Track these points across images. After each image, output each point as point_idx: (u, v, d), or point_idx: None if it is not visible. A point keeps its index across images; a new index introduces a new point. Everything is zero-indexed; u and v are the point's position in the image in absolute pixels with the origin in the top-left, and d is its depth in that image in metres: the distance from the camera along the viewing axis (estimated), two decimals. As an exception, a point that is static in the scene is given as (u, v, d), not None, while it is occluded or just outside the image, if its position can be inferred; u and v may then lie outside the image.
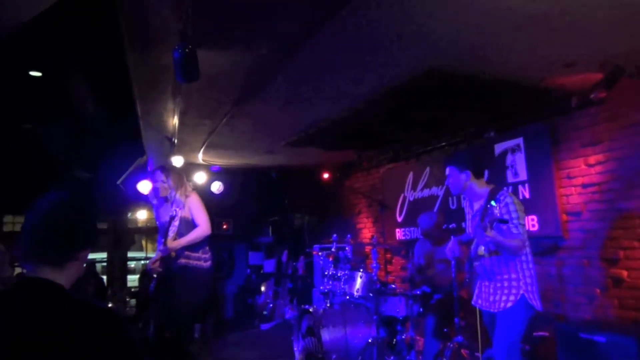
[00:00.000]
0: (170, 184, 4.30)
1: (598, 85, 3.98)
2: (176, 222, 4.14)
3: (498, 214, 2.87)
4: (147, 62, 3.40)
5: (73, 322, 1.42)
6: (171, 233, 4.09)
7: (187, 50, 2.80)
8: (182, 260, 4.11)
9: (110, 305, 8.94)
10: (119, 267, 11.44)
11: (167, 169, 4.51)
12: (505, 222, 2.96)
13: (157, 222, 4.38)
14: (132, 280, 11.88)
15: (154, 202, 4.44)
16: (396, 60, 3.60)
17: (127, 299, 9.84)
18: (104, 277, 11.28)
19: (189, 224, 4.21)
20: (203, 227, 4.19)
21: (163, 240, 4.00)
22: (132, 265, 14.31)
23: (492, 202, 2.91)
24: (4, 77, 4.83)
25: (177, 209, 4.10)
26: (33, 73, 5.16)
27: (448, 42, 3.29)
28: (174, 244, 4.04)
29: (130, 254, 13.42)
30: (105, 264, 12.78)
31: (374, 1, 2.71)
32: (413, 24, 3.01)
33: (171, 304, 4.06)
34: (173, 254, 4.03)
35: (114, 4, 2.74)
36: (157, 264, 4.08)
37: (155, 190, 4.38)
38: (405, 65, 3.73)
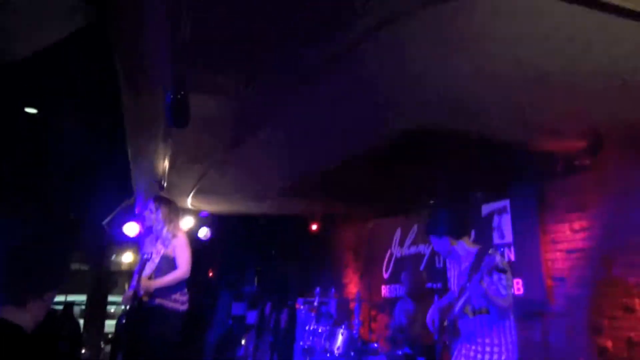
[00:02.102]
0: (159, 217, 4.12)
1: (582, 152, 4.06)
2: (157, 259, 3.98)
3: (498, 263, 2.80)
4: (140, 104, 3.45)
5: None
6: (149, 271, 3.93)
7: (179, 95, 2.84)
8: (158, 300, 3.92)
9: (84, 351, 8.61)
10: (98, 311, 11.08)
11: (162, 200, 4.30)
12: (505, 271, 2.89)
13: (140, 253, 4.23)
14: (110, 325, 11.48)
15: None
16: (384, 117, 3.68)
17: (102, 345, 9.48)
18: (81, 321, 10.91)
19: (170, 263, 4.03)
20: (183, 269, 4.00)
21: (137, 277, 3.81)
22: (112, 310, 13.87)
23: (491, 250, 2.85)
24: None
25: (154, 254, 3.96)
26: (28, 110, 5.20)
27: (434, 102, 3.37)
28: (148, 283, 3.87)
29: (111, 298, 13.02)
30: (83, 307, 12.40)
31: (365, 60, 2.80)
32: (401, 83, 3.10)
33: (141, 345, 3.86)
34: (145, 296, 3.86)
35: (111, 48, 2.81)
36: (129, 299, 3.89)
37: (142, 217, 4.25)
38: (393, 123, 3.80)
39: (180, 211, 4.39)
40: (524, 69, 2.82)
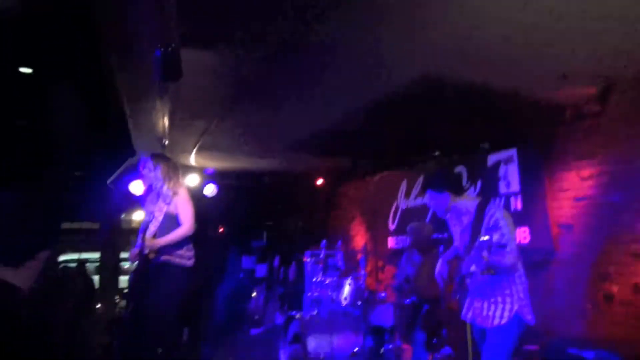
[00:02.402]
0: (158, 175, 4.04)
1: (591, 98, 3.93)
2: (160, 217, 3.98)
3: (496, 240, 2.77)
4: (130, 60, 3.35)
5: (16, 323, 1.38)
6: (153, 229, 3.94)
7: (169, 49, 2.75)
8: (164, 257, 3.94)
9: (99, 306, 8.86)
10: (111, 268, 11.35)
11: (160, 157, 4.22)
12: (503, 246, 2.87)
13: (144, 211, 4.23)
14: (124, 281, 11.78)
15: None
16: (389, 68, 3.55)
17: (118, 300, 9.75)
18: (96, 277, 11.19)
19: (173, 221, 4.00)
20: (186, 226, 3.97)
21: (142, 235, 3.82)
22: (126, 266, 14.19)
23: (486, 237, 2.81)
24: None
25: (156, 212, 3.96)
26: (24, 70, 5.10)
27: (440, 52, 3.24)
28: (153, 242, 3.88)
29: (123, 255, 13.29)
30: (98, 264, 12.71)
31: (366, 7, 2.67)
32: (406, 32, 2.96)
33: (151, 302, 3.92)
34: (152, 254, 3.88)
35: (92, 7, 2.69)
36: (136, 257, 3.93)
37: (141, 177, 4.22)
38: (398, 74, 3.68)
39: (180, 168, 4.32)
40: (534, 10, 2.67)
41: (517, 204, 4.83)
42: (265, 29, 2.92)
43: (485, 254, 2.82)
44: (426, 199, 3.35)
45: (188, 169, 7.39)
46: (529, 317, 3.05)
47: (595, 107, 3.99)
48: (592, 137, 4.26)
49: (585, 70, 3.58)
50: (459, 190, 3.26)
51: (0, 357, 1.32)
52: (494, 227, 2.82)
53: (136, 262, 4.09)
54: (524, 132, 4.83)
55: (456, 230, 3.41)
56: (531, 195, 4.71)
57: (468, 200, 3.26)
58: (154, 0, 2.50)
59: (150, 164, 4.08)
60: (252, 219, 9.49)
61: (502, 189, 4.99)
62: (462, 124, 5.10)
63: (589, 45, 3.13)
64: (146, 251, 3.83)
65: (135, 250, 3.90)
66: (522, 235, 4.70)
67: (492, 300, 3.11)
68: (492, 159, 5.14)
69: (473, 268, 3.15)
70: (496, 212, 3.05)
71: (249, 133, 5.58)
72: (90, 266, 13.01)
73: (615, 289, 4.01)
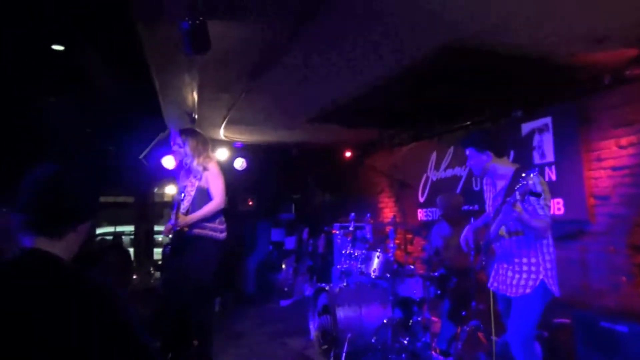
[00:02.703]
0: (188, 150, 4.09)
1: (633, 61, 3.75)
2: (192, 192, 4.04)
3: (531, 186, 2.70)
4: (157, 34, 3.35)
5: (66, 295, 1.40)
6: (186, 204, 4.00)
7: (197, 21, 2.74)
8: (196, 230, 4.01)
9: (135, 277, 9.15)
10: (145, 241, 11.68)
11: (188, 132, 4.24)
12: (539, 195, 2.78)
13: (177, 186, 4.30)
14: (159, 253, 12.12)
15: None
16: (415, 34, 3.45)
17: (152, 271, 10.05)
18: (131, 250, 11.54)
19: (205, 195, 4.06)
20: (217, 200, 4.03)
21: (175, 211, 3.89)
22: (160, 239, 14.58)
23: (524, 174, 2.73)
24: (27, 50, 4.86)
25: (189, 187, 4.02)
26: (56, 47, 5.18)
27: (468, 15, 3.13)
28: (185, 219, 3.95)
29: (157, 228, 13.64)
30: (133, 236, 13.08)
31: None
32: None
33: (184, 273, 4.02)
34: (185, 227, 3.96)
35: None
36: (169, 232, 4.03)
37: (172, 152, 4.27)
38: (425, 40, 3.57)
39: (209, 142, 4.34)
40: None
41: (551, 174, 4.71)
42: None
43: (518, 203, 2.74)
44: (467, 155, 3.30)
45: (217, 142, 7.46)
46: (554, 289, 3.00)
47: (635, 71, 3.80)
48: (631, 104, 4.08)
49: (625, 32, 3.40)
50: (499, 152, 3.21)
51: (44, 330, 1.35)
52: (532, 188, 2.72)
53: (170, 236, 4.19)
54: (559, 99, 4.66)
55: (489, 195, 3.36)
56: (566, 166, 4.57)
57: (506, 165, 3.20)
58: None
59: (179, 140, 4.12)
60: (280, 191, 9.56)
61: (536, 159, 4.86)
62: (494, 91, 4.96)
63: (628, 5, 2.97)
64: (177, 227, 3.91)
65: (169, 226, 3.99)
66: (557, 206, 4.59)
67: (518, 266, 3.06)
68: (525, 128, 4.99)
69: (502, 231, 3.10)
70: (529, 181, 2.97)
71: (276, 106, 5.57)
72: (125, 239, 13.44)
73: (652, 261, 3.90)
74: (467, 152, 3.30)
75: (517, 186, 2.72)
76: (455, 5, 3.01)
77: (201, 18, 2.78)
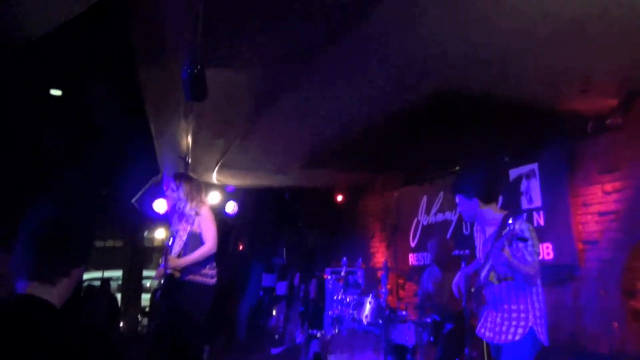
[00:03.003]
0: (181, 194, 4.09)
1: (614, 111, 3.90)
2: (184, 237, 4.04)
3: (518, 231, 2.74)
4: (157, 80, 3.45)
5: (58, 341, 1.39)
6: (178, 248, 4.00)
7: (195, 70, 2.83)
8: (188, 276, 3.98)
9: (121, 324, 8.94)
10: (133, 286, 11.48)
11: (182, 177, 4.25)
12: (525, 240, 2.82)
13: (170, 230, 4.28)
14: (146, 299, 11.88)
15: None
16: (407, 78, 3.59)
17: (140, 318, 9.84)
18: (119, 295, 11.32)
19: (197, 239, 4.05)
20: (209, 244, 4.00)
21: (166, 255, 3.88)
22: (148, 285, 14.33)
23: (511, 220, 2.78)
24: (25, 96, 4.95)
25: (181, 231, 4.02)
26: (54, 92, 5.28)
27: (460, 61, 3.27)
28: (176, 262, 3.93)
29: (146, 273, 13.44)
30: (120, 282, 12.86)
31: (382, 21, 2.72)
32: (424, 42, 3.00)
33: (175, 319, 3.96)
34: (176, 273, 3.94)
35: (127, 22, 2.80)
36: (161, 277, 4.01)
37: (165, 196, 4.28)
38: (416, 87, 3.71)
39: (203, 186, 4.36)
40: (553, 22, 2.68)
41: (539, 219, 4.78)
42: (283, 45, 3.00)
43: (506, 248, 2.77)
44: (456, 201, 3.31)
45: (210, 186, 7.49)
46: (542, 337, 2.98)
47: (617, 120, 3.95)
48: (614, 151, 4.21)
49: (607, 83, 3.57)
50: (488, 198, 3.24)
51: None
52: (519, 233, 2.76)
53: (161, 281, 4.15)
54: (546, 145, 4.80)
55: (479, 241, 3.38)
56: (554, 211, 4.65)
57: (495, 211, 3.23)
58: (186, 17, 2.59)
59: (173, 184, 4.14)
60: (272, 235, 9.52)
61: (524, 204, 4.95)
62: (483, 138, 5.09)
63: (610, 57, 3.13)
64: (169, 271, 3.88)
65: (161, 270, 3.97)
66: (545, 251, 4.63)
67: (507, 312, 3.05)
68: (513, 173, 5.10)
69: (492, 276, 3.10)
70: (522, 224, 3.02)
71: (270, 150, 5.65)
72: (112, 284, 13.19)
73: (643, 305, 3.92)
74: (457, 199, 3.35)
75: (505, 231, 2.77)
76: (443, 55, 3.16)
77: (199, 66, 2.88)
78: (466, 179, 3.34)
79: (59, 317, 1.46)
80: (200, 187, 4.26)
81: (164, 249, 4.04)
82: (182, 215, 4.16)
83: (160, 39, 2.87)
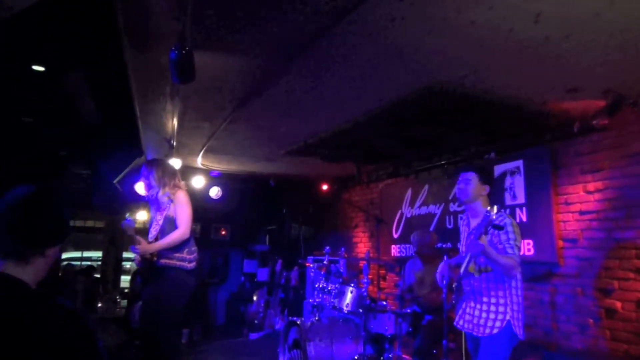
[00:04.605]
0: (152, 182, 4.01)
1: (600, 112, 3.94)
2: (160, 221, 3.97)
3: (495, 220, 2.75)
4: (145, 61, 3.38)
5: (32, 320, 1.37)
6: (154, 232, 3.94)
7: (183, 51, 2.78)
8: (163, 260, 3.92)
9: (100, 305, 8.87)
10: (113, 267, 11.38)
11: (153, 163, 4.14)
12: (501, 228, 2.84)
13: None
14: (126, 280, 11.81)
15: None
16: (396, 75, 3.57)
17: (119, 299, 9.76)
18: (98, 276, 11.22)
19: (172, 224, 3.96)
20: (181, 230, 3.89)
21: (137, 238, 3.80)
22: (128, 266, 14.23)
23: (489, 207, 2.79)
24: (6, 70, 4.82)
25: (157, 216, 3.95)
26: (36, 67, 5.15)
27: (449, 61, 3.27)
28: (147, 247, 3.86)
29: (126, 254, 13.33)
30: (100, 263, 12.74)
31: (372, 17, 2.69)
32: (413, 40, 2.98)
33: (152, 304, 3.93)
34: (153, 257, 3.88)
35: (113, 3, 2.72)
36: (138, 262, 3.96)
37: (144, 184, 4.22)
38: (405, 81, 3.69)
39: (177, 171, 4.25)
40: (544, 24, 2.69)
41: (522, 216, 4.83)
42: (274, 33, 2.95)
43: (483, 237, 2.80)
44: (463, 177, 3.30)
45: (194, 170, 7.43)
46: (518, 331, 3.02)
47: (603, 121, 4.00)
48: (598, 152, 4.26)
49: (595, 84, 3.59)
50: (491, 191, 3.28)
51: (6, 356, 1.31)
52: (494, 221, 2.78)
53: (140, 265, 4.10)
54: (532, 143, 4.84)
55: (464, 235, 3.41)
56: (537, 208, 4.71)
57: (484, 205, 3.24)
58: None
59: (144, 172, 4.07)
60: (255, 222, 9.51)
61: (508, 200, 5.00)
62: (469, 133, 5.12)
63: (599, 59, 3.15)
64: (139, 254, 3.83)
65: (137, 256, 3.92)
66: (526, 247, 4.70)
67: (486, 305, 3.08)
68: (498, 169, 5.14)
69: (472, 267, 3.13)
70: (505, 219, 3.05)
71: (257, 137, 5.61)
72: (92, 264, 13.06)
73: (618, 304, 4.00)
74: (468, 175, 3.27)
75: (481, 219, 2.81)
76: (435, 54, 3.14)
77: (187, 48, 2.82)
78: (484, 164, 3.37)
79: (33, 296, 1.45)
80: (173, 172, 4.14)
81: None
82: (155, 201, 4.09)
83: (149, 19, 2.80)
